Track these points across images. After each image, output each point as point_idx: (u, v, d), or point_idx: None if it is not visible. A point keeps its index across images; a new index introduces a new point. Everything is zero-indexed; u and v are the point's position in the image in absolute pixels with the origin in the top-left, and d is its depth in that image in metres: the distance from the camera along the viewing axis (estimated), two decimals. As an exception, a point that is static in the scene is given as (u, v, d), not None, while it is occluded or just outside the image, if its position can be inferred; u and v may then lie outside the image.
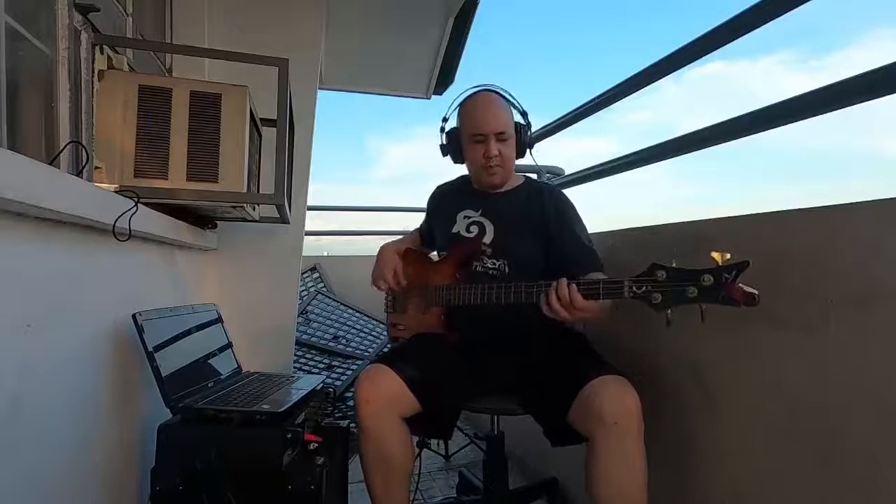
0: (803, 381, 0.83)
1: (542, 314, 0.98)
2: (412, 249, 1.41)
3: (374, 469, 1.06)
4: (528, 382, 1.11)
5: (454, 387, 1.14)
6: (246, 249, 1.83)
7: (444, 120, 1.31)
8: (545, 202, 1.24)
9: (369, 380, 1.05)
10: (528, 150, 1.30)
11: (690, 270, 0.81)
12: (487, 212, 1.28)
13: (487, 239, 1.25)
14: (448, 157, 1.33)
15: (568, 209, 1.25)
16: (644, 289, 0.85)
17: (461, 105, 1.27)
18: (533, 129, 1.31)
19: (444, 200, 1.40)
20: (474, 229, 1.27)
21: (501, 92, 1.25)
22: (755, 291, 0.75)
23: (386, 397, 1.04)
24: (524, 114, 1.28)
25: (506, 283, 1.06)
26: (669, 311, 0.83)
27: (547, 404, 1.05)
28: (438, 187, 1.45)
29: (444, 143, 1.32)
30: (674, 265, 0.83)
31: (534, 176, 1.84)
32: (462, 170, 1.37)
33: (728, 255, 0.78)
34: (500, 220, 1.26)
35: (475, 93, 1.26)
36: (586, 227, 1.26)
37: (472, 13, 2.29)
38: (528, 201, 1.26)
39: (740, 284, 0.76)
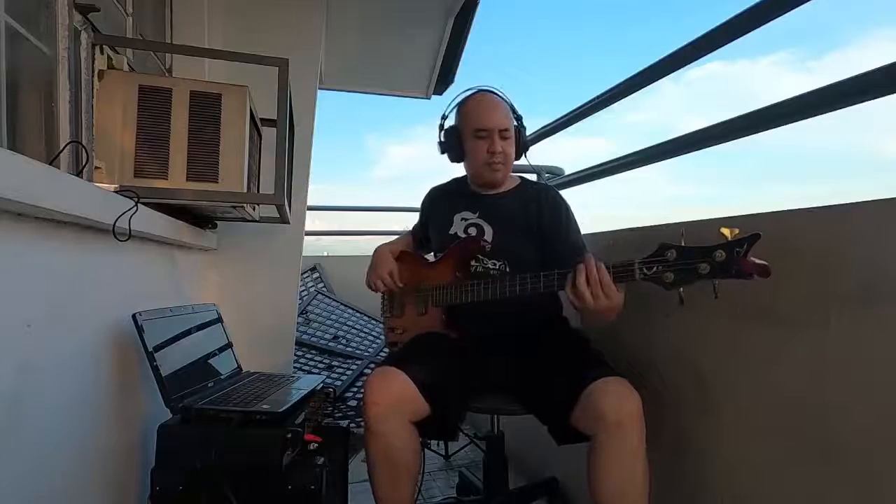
0: (803, 380, 0.83)
1: (544, 311, 0.97)
2: (407, 251, 1.41)
3: (381, 471, 1.04)
4: (530, 382, 1.11)
5: (461, 388, 1.13)
6: (246, 249, 1.83)
7: (444, 117, 1.32)
8: (542, 203, 1.25)
9: (379, 382, 1.03)
10: (524, 153, 1.31)
11: (701, 247, 0.81)
12: (485, 213, 1.28)
13: (487, 240, 1.25)
14: (445, 156, 1.33)
15: (562, 210, 1.25)
16: (655, 269, 0.85)
17: (461, 103, 1.28)
18: (532, 130, 1.32)
19: (440, 202, 1.40)
20: (472, 231, 1.28)
21: (500, 94, 1.27)
22: (766, 263, 0.75)
23: (396, 400, 1.02)
24: (519, 118, 1.29)
25: (510, 276, 1.06)
26: (682, 290, 0.83)
27: (550, 404, 1.05)
28: (432, 189, 1.45)
29: (443, 140, 1.32)
30: (683, 244, 0.83)
31: (532, 176, 1.84)
32: (456, 172, 1.38)
33: (737, 230, 0.78)
34: (498, 222, 1.26)
35: (477, 91, 1.27)
36: (580, 228, 1.26)
37: (472, 13, 2.29)
38: (525, 202, 1.26)
39: (752, 258, 0.76)
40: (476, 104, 1.25)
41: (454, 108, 1.30)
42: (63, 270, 0.83)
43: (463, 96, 1.29)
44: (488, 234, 1.26)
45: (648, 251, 0.87)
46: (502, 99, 1.26)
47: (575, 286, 0.92)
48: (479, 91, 1.27)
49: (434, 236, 1.39)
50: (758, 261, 0.76)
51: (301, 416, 1.03)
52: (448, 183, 1.43)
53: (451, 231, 1.30)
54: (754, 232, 0.77)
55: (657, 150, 1.42)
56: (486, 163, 1.23)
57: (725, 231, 0.78)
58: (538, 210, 1.24)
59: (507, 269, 1.22)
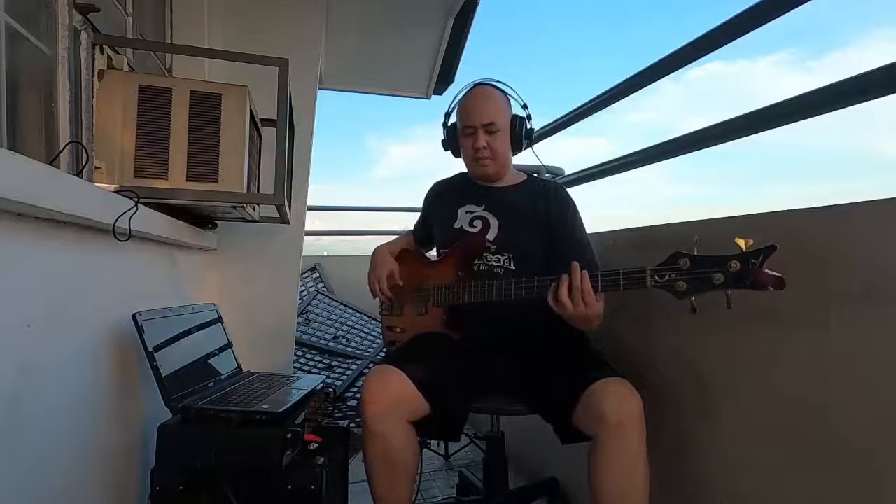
0: (803, 380, 0.83)
1: (546, 312, 0.97)
2: (408, 250, 1.41)
3: (379, 471, 1.04)
4: (532, 382, 1.11)
5: (463, 387, 1.12)
6: (246, 249, 1.83)
7: (447, 115, 1.33)
8: (550, 200, 1.24)
9: (376, 381, 1.02)
10: (525, 143, 1.28)
11: (715, 257, 0.81)
12: (491, 206, 1.27)
13: (492, 234, 1.24)
14: (449, 152, 1.34)
15: (569, 208, 1.25)
16: (667, 277, 0.85)
17: (459, 99, 1.29)
18: (535, 125, 1.30)
19: (443, 197, 1.39)
20: (478, 223, 1.26)
21: (498, 84, 1.25)
22: (782, 275, 0.75)
23: (394, 399, 1.01)
24: (524, 106, 1.27)
25: (514, 279, 1.06)
26: (693, 299, 0.83)
27: (552, 404, 1.05)
28: (436, 184, 1.45)
29: (445, 137, 1.33)
30: (696, 253, 0.83)
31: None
32: (460, 167, 1.38)
33: (751, 241, 0.77)
34: (504, 215, 1.25)
35: (471, 87, 1.27)
36: (585, 227, 1.26)
37: (472, 13, 2.29)
38: (532, 197, 1.26)
39: (767, 269, 0.76)
40: (466, 100, 1.25)
41: (456, 104, 1.30)
42: (63, 270, 0.83)
43: (462, 91, 1.29)
44: (494, 226, 1.24)
45: (658, 259, 0.87)
46: (498, 90, 1.25)
47: (556, 293, 0.95)
48: (476, 85, 1.26)
49: (438, 231, 1.38)
50: (773, 273, 0.75)
51: (301, 416, 1.03)
52: (452, 177, 1.42)
53: (456, 225, 1.29)
54: (770, 244, 0.76)
55: (657, 150, 1.42)
56: (473, 158, 1.25)
57: (740, 241, 0.77)
58: (546, 207, 1.23)
59: (513, 265, 1.21)
